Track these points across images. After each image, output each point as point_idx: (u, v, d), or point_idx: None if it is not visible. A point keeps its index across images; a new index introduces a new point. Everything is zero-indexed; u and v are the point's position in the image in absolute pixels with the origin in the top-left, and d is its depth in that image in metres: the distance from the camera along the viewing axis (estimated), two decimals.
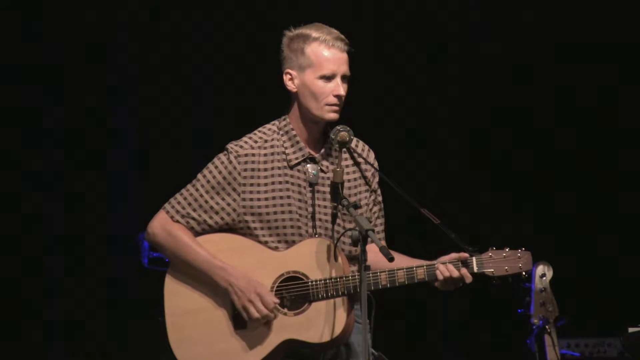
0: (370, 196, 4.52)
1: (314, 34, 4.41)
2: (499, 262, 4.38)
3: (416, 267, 4.34)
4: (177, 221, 4.41)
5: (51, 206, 6.75)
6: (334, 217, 4.44)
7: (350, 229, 4.38)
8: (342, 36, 4.43)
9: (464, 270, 4.31)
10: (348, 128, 4.38)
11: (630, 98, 7.12)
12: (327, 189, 4.43)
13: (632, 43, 7.09)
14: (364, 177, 4.50)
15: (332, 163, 4.46)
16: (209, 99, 6.93)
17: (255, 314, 4.30)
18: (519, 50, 7.16)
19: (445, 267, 4.31)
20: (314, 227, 4.41)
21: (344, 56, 4.42)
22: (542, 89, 7.17)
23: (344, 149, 4.46)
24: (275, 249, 4.38)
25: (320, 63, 4.39)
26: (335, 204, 4.40)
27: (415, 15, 7.16)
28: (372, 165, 4.53)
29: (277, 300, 4.31)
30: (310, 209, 4.42)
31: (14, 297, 6.64)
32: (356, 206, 4.31)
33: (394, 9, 7.14)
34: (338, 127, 4.38)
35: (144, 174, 6.79)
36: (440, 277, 4.31)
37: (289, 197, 4.41)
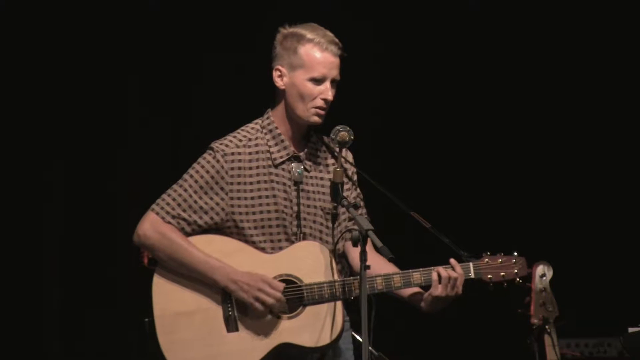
0: (351, 193, 4.53)
1: (309, 34, 4.41)
2: (495, 268, 4.40)
3: (412, 271, 4.35)
4: (169, 222, 4.38)
5: (51, 205, 6.75)
6: (334, 217, 4.44)
7: (351, 229, 4.38)
8: (337, 40, 4.42)
9: (459, 270, 4.32)
10: (348, 128, 4.38)
11: (629, 96, 7.12)
12: (312, 188, 4.44)
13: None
14: (346, 175, 4.50)
15: (315, 162, 4.47)
16: (209, 99, 6.94)
17: (270, 300, 4.28)
18: (519, 51, 7.16)
19: (444, 268, 4.32)
20: (298, 225, 4.40)
21: (336, 60, 4.41)
22: (540, 87, 7.17)
23: (334, 148, 4.47)
24: (263, 249, 4.37)
25: (311, 65, 4.39)
26: (335, 204, 4.40)
27: (416, 16, 7.17)
28: (352, 164, 4.53)
29: (284, 285, 4.31)
30: (295, 208, 4.41)
31: (13, 297, 6.64)
32: (356, 206, 4.31)
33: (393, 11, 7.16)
34: (338, 127, 4.38)
35: (144, 174, 6.79)
36: (435, 277, 4.31)
37: (274, 195, 4.40)
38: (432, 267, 4.34)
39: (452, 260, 4.35)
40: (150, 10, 6.85)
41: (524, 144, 7.15)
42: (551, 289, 4.49)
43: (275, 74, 4.46)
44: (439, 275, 4.31)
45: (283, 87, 4.44)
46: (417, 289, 4.40)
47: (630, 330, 5.64)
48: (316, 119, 4.41)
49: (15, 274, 6.65)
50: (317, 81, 4.39)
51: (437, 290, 4.32)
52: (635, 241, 6.94)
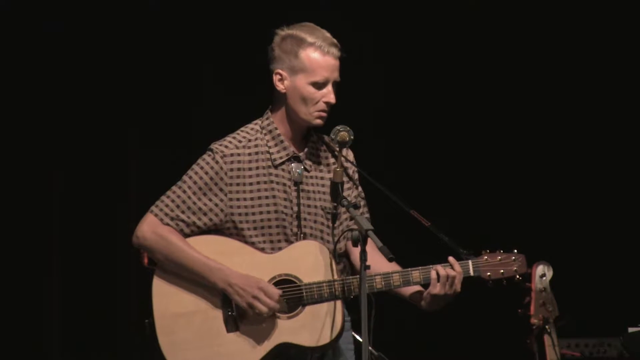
0: (352, 192, 4.53)
1: (309, 38, 4.39)
2: (495, 265, 4.40)
3: (411, 269, 4.35)
4: (167, 224, 4.38)
5: (50, 205, 6.75)
6: (334, 216, 4.44)
7: (351, 229, 4.38)
8: (335, 41, 4.41)
9: (458, 268, 4.32)
10: (348, 128, 4.38)
11: (629, 96, 7.12)
12: (312, 188, 4.44)
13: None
14: (347, 174, 4.50)
15: (315, 162, 4.47)
16: (209, 99, 6.94)
17: (263, 308, 4.27)
18: (519, 51, 7.16)
19: (442, 267, 4.32)
20: (298, 226, 4.40)
21: (337, 63, 4.41)
22: (540, 87, 7.17)
23: (332, 148, 4.47)
24: (262, 249, 4.37)
25: (313, 69, 4.38)
26: (335, 204, 4.40)
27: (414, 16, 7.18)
28: (352, 163, 4.53)
29: (280, 292, 4.30)
30: (295, 208, 4.40)
31: (13, 297, 6.64)
32: (356, 206, 4.31)
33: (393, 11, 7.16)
34: (338, 127, 4.38)
35: (144, 174, 6.79)
36: (434, 275, 4.31)
37: (274, 196, 4.39)
38: (431, 266, 4.34)
39: (451, 259, 4.36)
40: (150, 10, 6.85)
41: (524, 144, 7.15)
42: (551, 289, 4.49)
43: (275, 77, 4.44)
44: (438, 274, 4.32)
45: (284, 91, 4.43)
46: (417, 288, 4.40)
47: (630, 330, 5.64)
48: (319, 121, 4.42)
49: (16, 275, 6.66)
50: (320, 85, 4.39)
51: (436, 289, 4.32)
52: (635, 241, 6.94)
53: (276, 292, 4.29)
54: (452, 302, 4.40)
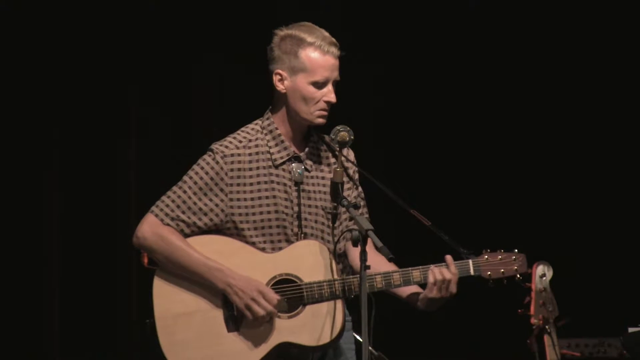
0: (352, 192, 4.53)
1: (309, 38, 4.39)
2: (495, 264, 4.40)
3: (412, 269, 4.35)
4: (168, 224, 4.37)
5: (50, 205, 6.75)
6: (334, 216, 4.44)
7: (351, 229, 4.38)
8: (334, 40, 4.41)
9: (454, 269, 4.32)
10: (348, 128, 4.38)
11: (629, 96, 7.12)
12: (312, 188, 4.44)
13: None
14: (347, 174, 4.50)
15: (315, 162, 4.47)
16: (208, 98, 6.94)
17: (260, 312, 4.27)
18: (519, 51, 7.16)
19: (439, 270, 4.32)
20: (299, 226, 4.40)
21: (337, 62, 4.41)
22: (540, 87, 7.17)
23: (333, 148, 4.47)
24: (263, 249, 4.36)
25: (314, 69, 4.38)
26: (335, 204, 4.40)
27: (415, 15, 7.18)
28: (353, 163, 4.53)
29: (279, 297, 4.30)
30: (296, 208, 4.40)
31: (13, 297, 6.64)
32: (356, 206, 4.31)
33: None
34: (338, 127, 4.38)
35: (144, 173, 6.79)
36: (431, 279, 4.31)
37: (274, 196, 4.39)
38: (429, 266, 4.33)
39: (448, 258, 4.35)
40: (150, 10, 6.85)
41: (524, 144, 7.15)
42: (551, 289, 4.49)
43: (275, 77, 4.44)
44: (434, 278, 4.32)
45: (284, 91, 4.43)
46: (415, 289, 4.40)
47: (630, 330, 5.64)
48: (320, 120, 4.42)
49: (15, 275, 6.66)
50: (320, 84, 4.39)
51: (432, 292, 4.33)
52: (635, 241, 6.94)
53: (275, 297, 4.29)
54: (452, 302, 4.40)
